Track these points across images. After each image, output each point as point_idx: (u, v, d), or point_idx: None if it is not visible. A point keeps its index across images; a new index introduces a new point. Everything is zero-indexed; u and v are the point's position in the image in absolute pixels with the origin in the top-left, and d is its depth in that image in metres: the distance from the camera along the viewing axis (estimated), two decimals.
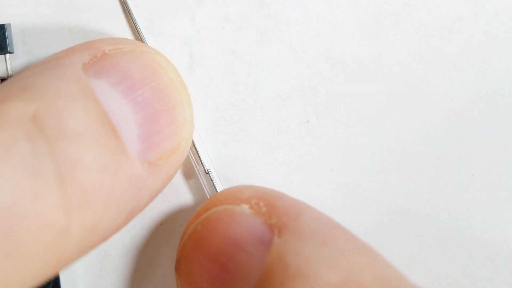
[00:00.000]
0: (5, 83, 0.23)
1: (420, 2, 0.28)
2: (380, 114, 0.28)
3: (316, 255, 0.23)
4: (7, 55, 0.27)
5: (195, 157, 0.27)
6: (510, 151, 0.28)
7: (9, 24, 0.27)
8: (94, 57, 0.23)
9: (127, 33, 0.27)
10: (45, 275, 0.21)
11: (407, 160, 0.28)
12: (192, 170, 0.28)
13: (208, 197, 0.27)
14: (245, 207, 0.24)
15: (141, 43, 0.25)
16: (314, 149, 0.28)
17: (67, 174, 0.21)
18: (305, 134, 0.28)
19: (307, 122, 0.28)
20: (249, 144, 0.28)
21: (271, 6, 0.28)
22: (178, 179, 0.28)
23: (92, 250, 0.23)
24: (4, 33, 0.27)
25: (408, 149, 0.28)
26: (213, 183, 0.27)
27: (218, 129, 0.28)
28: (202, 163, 0.27)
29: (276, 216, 0.24)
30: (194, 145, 0.27)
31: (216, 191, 0.27)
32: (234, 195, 0.25)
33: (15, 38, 0.27)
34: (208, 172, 0.27)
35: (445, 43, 0.28)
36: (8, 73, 0.27)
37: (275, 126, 0.28)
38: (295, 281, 0.22)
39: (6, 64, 0.27)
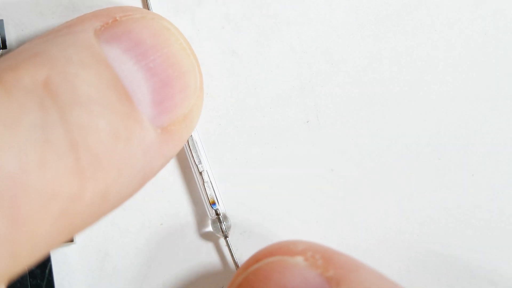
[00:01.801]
0: (15, 51, 0.22)
1: (420, 2, 0.28)
2: (380, 114, 0.28)
3: None
4: (0, 51, 0.27)
5: (191, 157, 0.27)
6: (510, 151, 0.28)
7: (2, 20, 0.27)
8: (105, 23, 0.23)
9: None
10: (56, 243, 0.21)
11: (407, 160, 0.28)
12: (191, 170, 0.28)
13: (203, 197, 0.27)
14: (300, 258, 0.24)
15: (150, 11, 0.25)
16: (314, 149, 0.28)
17: (80, 141, 0.21)
18: (305, 134, 0.28)
19: (307, 122, 0.28)
20: (249, 144, 0.28)
21: (271, 6, 0.28)
22: (178, 179, 0.28)
23: (104, 217, 0.23)
24: None
25: (408, 149, 0.28)
26: (207, 185, 0.27)
27: (218, 129, 0.28)
28: (196, 164, 0.27)
29: (333, 269, 0.24)
30: (189, 146, 0.27)
31: (213, 191, 0.27)
32: (288, 247, 0.25)
33: (14, 38, 0.27)
34: (201, 172, 0.27)
35: (445, 43, 0.28)
36: None
37: (275, 126, 0.28)
38: None
39: None
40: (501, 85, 0.28)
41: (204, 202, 0.28)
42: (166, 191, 0.28)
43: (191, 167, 0.28)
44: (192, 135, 0.27)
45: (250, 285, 0.24)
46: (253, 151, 0.28)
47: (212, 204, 0.27)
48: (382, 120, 0.28)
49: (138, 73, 0.23)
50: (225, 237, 0.27)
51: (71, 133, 0.21)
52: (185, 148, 0.28)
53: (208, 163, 0.28)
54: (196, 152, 0.27)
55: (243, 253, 0.28)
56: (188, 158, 0.28)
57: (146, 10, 0.24)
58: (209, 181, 0.27)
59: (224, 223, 0.27)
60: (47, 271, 0.26)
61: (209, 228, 0.28)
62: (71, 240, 0.27)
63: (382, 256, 0.28)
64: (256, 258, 0.25)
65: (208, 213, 0.28)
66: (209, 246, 0.28)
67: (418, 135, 0.28)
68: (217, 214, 0.27)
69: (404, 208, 0.28)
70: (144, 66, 0.23)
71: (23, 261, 0.20)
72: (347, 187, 0.28)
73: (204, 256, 0.28)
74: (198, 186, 0.28)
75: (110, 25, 0.23)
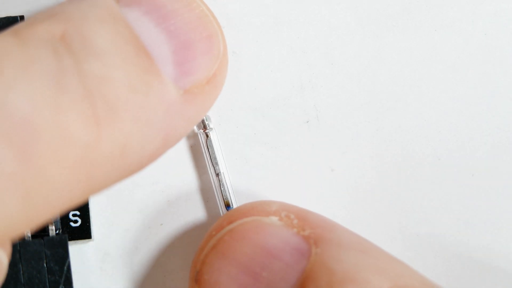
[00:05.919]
0: (34, 14, 0.23)
1: (420, 2, 0.28)
2: (380, 114, 0.28)
3: (361, 263, 0.23)
4: None
5: (209, 157, 0.27)
6: (510, 151, 0.28)
7: (23, 16, 0.27)
8: None
9: None
10: (73, 196, 0.21)
11: (407, 160, 0.28)
12: (191, 170, 0.28)
13: (217, 198, 0.27)
14: (275, 219, 0.24)
15: None
16: (314, 149, 0.28)
17: (95, 90, 0.20)
18: (305, 134, 0.28)
19: (307, 122, 0.28)
20: (249, 144, 0.28)
21: (271, 6, 0.28)
22: (178, 179, 0.28)
23: (130, 176, 0.22)
24: None
25: (408, 149, 0.28)
26: (223, 188, 0.27)
27: (218, 129, 0.28)
28: (213, 165, 0.27)
29: (309, 228, 0.24)
30: (207, 146, 0.27)
31: (228, 194, 0.27)
32: (261, 208, 0.25)
33: None
34: (218, 174, 0.27)
35: (445, 43, 0.28)
36: None
37: (275, 126, 0.28)
38: (346, 286, 0.22)
39: None
40: (501, 85, 0.28)
41: (218, 204, 0.27)
42: (166, 191, 0.28)
43: (208, 167, 0.28)
44: (211, 136, 0.27)
45: (226, 246, 0.24)
46: (253, 151, 0.28)
47: (227, 206, 0.27)
48: (382, 120, 0.28)
49: (159, 35, 0.23)
50: None
51: (86, 81, 0.20)
52: (202, 149, 0.27)
53: (225, 165, 0.28)
54: (214, 153, 0.27)
55: None
56: (205, 159, 0.27)
57: None
58: (225, 183, 0.27)
59: None
60: (65, 267, 0.26)
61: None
62: (89, 237, 0.27)
63: None
64: (228, 219, 0.25)
65: (221, 214, 0.27)
66: None
67: (418, 135, 0.28)
68: None
69: (404, 208, 0.28)
70: (165, 29, 0.23)
71: (39, 207, 0.20)
72: (347, 187, 0.28)
73: None
74: (214, 187, 0.28)
75: None
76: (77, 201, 0.21)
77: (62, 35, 0.21)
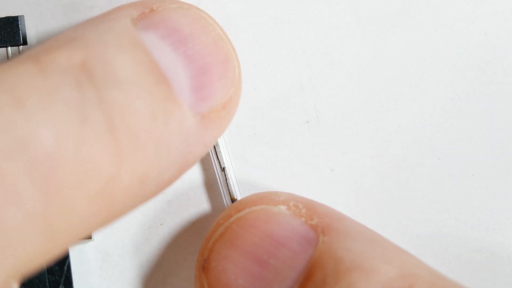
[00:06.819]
0: (53, 37, 0.22)
1: (420, 2, 0.28)
2: (380, 114, 0.28)
3: (368, 251, 0.23)
4: (21, 47, 0.27)
5: (214, 152, 0.27)
6: (510, 151, 0.28)
7: (23, 16, 0.27)
8: (142, 13, 0.23)
9: None
10: (93, 226, 0.21)
11: (407, 160, 0.28)
12: (194, 169, 0.28)
13: (222, 192, 0.27)
14: (283, 208, 0.25)
15: (185, 2, 0.25)
16: (314, 149, 0.28)
17: (117, 120, 0.20)
18: (305, 134, 0.28)
19: (307, 122, 0.28)
20: (249, 144, 0.28)
21: (271, 6, 0.28)
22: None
23: (144, 203, 0.22)
24: (17, 25, 0.26)
25: (408, 149, 0.28)
26: (229, 181, 0.27)
27: None
28: (219, 160, 0.27)
29: (317, 217, 0.24)
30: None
31: (233, 188, 0.27)
32: (269, 197, 0.25)
33: None
34: (224, 168, 0.27)
35: (445, 43, 0.28)
36: None
37: (275, 126, 0.28)
38: (353, 274, 0.22)
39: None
40: (501, 85, 0.28)
41: (223, 198, 0.28)
42: (166, 191, 0.28)
43: (213, 163, 0.28)
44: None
45: (234, 234, 0.24)
46: (253, 151, 0.28)
47: (233, 201, 0.27)
48: (382, 120, 0.28)
49: (176, 60, 0.23)
50: None
51: (108, 112, 0.20)
52: None
53: (230, 159, 0.28)
54: (219, 147, 0.27)
55: None
56: (210, 154, 0.28)
57: (181, 1, 0.24)
58: (230, 177, 0.27)
59: None
60: (65, 267, 0.26)
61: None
62: (90, 237, 0.27)
63: None
64: (236, 208, 0.25)
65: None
66: None
67: (418, 135, 0.28)
68: None
69: (404, 208, 0.28)
70: (182, 53, 0.23)
71: (59, 240, 0.20)
72: (347, 187, 0.28)
73: None
74: (219, 182, 0.28)
75: (147, 14, 0.23)
76: (95, 230, 0.21)
77: (82, 63, 0.21)
